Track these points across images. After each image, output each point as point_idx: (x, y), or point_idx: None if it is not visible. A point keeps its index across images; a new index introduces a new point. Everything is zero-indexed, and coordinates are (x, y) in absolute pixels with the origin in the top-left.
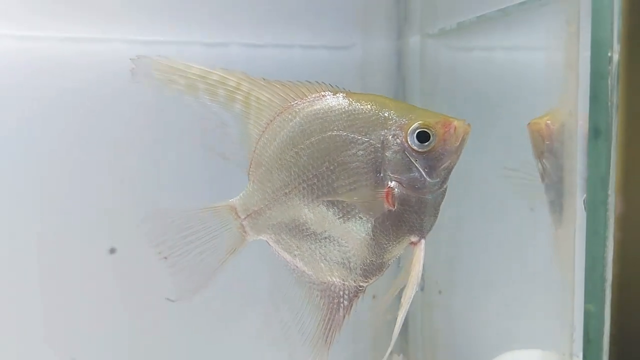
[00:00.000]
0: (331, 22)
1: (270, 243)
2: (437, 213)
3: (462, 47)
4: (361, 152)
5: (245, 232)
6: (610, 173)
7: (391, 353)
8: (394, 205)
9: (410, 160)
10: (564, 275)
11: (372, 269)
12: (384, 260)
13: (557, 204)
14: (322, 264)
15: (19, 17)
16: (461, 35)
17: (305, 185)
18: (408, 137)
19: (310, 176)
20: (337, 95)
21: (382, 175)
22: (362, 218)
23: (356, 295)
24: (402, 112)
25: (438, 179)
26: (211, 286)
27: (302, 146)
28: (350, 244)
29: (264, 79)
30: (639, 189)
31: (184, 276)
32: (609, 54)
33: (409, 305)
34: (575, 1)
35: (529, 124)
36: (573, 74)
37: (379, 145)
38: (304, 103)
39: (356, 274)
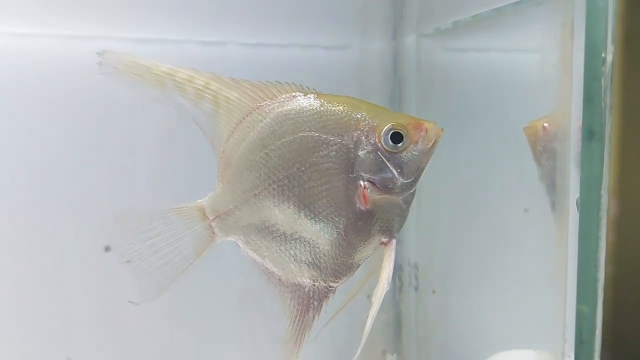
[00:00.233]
0: (328, 22)
1: (240, 244)
2: (407, 213)
3: (457, 46)
4: (334, 153)
5: (213, 233)
6: (604, 174)
7: (385, 352)
8: (367, 205)
9: (384, 160)
10: (556, 276)
11: (343, 269)
12: (354, 260)
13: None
14: (292, 264)
15: (17, 14)
16: (457, 35)
17: (275, 186)
18: (381, 138)
19: (281, 177)
20: (308, 96)
21: (354, 175)
22: (334, 218)
23: (326, 296)
24: (374, 113)
25: (410, 180)
26: (183, 287)
27: (272, 147)
28: (321, 245)
29: (232, 79)
30: (633, 191)
31: (148, 278)
32: (603, 55)
33: (379, 305)
34: (569, 2)
35: (525, 127)
36: (567, 75)
37: (352, 146)
38: (274, 104)
39: (327, 274)
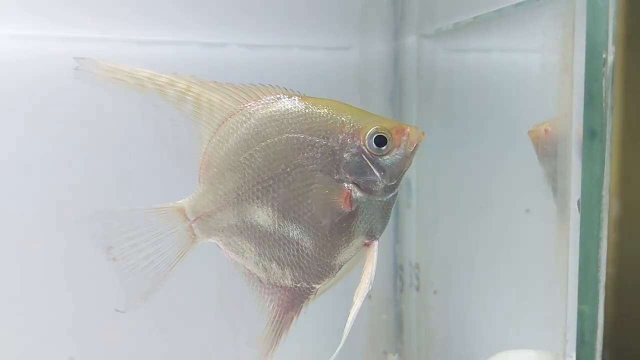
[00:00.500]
0: (329, 23)
1: (221, 245)
2: (389, 215)
3: (458, 47)
4: (319, 155)
5: (194, 234)
6: (605, 174)
7: (386, 352)
8: (351, 207)
9: (368, 163)
10: (558, 276)
11: (326, 270)
12: (337, 261)
13: None
14: (274, 265)
15: (17, 16)
16: (457, 36)
17: (260, 187)
18: (366, 141)
19: (266, 178)
20: (293, 98)
21: (338, 177)
22: (318, 219)
23: (307, 297)
24: (358, 116)
25: (393, 182)
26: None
27: (257, 148)
28: (304, 246)
29: (215, 82)
30: (635, 191)
31: (132, 283)
32: (604, 56)
33: (360, 304)
34: (570, 3)
35: (529, 131)
36: (568, 76)
37: (337, 148)
38: (258, 105)
39: (309, 275)
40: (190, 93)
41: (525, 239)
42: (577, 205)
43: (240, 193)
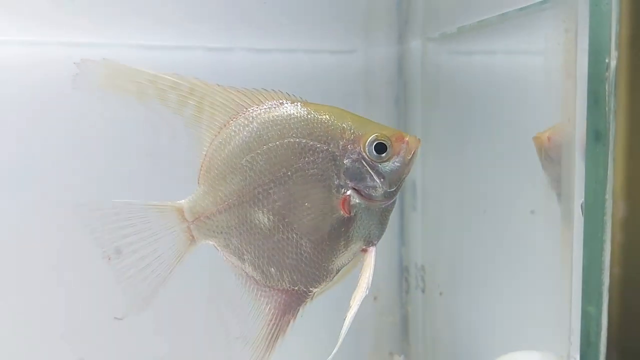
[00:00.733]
0: (334, 26)
1: (219, 248)
2: (387, 222)
3: (462, 51)
4: (320, 160)
5: (192, 236)
6: (609, 177)
7: (392, 354)
8: (350, 212)
9: (368, 169)
10: (562, 278)
11: (324, 274)
12: (335, 265)
13: None
14: (272, 269)
15: (21, 22)
16: (462, 40)
17: (260, 190)
18: (366, 147)
19: (267, 181)
20: (295, 103)
21: (339, 182)
22: (317, 223)
23: (304, 301)
24: (358, 123)
25: (392, 189)
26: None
27: (258, 151)
28: (303, 249)
29: (218, 85)
30: None
31: (130, 286)
32: (607, 60)
33: (357, 308)
34: (573, 7)
35: (533, 137)
36: (571, 80)
37: (338, 154)
38: (260, 109)
39: (307, 279)
40: (193, 95)
41: (529, 241)
42: (581, 209)
43: (241, 195)
